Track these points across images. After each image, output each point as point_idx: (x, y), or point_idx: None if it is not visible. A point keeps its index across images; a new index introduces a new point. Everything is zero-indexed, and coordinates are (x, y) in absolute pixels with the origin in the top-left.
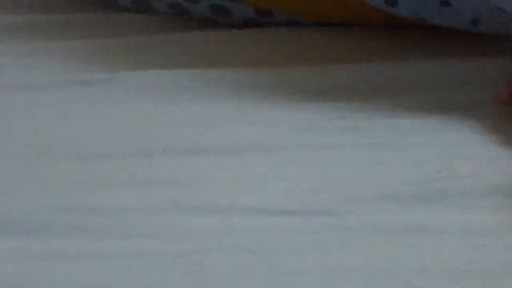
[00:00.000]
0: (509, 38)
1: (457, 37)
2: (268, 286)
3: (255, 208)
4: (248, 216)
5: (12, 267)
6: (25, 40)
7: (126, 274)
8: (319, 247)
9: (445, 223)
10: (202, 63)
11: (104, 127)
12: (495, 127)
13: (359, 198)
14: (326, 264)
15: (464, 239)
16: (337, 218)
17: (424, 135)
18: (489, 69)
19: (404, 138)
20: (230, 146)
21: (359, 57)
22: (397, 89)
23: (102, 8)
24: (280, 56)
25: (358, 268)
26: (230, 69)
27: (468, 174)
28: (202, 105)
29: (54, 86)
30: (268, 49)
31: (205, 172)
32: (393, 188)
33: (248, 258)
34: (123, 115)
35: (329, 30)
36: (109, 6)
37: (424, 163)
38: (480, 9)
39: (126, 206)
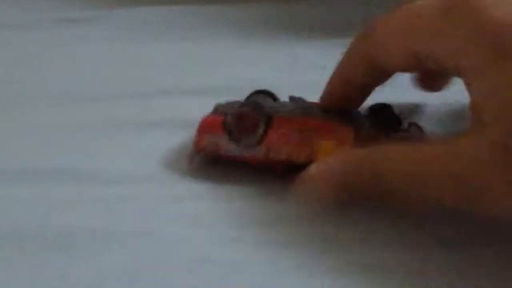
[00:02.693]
0: None
1: None
2: None
3: None
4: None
5: (13, 213)
6: None
7: (120, 218)
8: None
9: None
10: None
11: (95, 67)
12: None
13: None
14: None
15: None
16: None
17: None
18: None
19: None
20: (227, 86)
21: None
22: None
23: None
24: None
25: None
26: (226, 5)
27: None
28: (197, 43)
29: (42, 24)
30: None
31: (202, 114)
32: None
33: (246, 203)
34: (114, 54)
35: None
36: None
37: None
38: None
39: (121, 149)
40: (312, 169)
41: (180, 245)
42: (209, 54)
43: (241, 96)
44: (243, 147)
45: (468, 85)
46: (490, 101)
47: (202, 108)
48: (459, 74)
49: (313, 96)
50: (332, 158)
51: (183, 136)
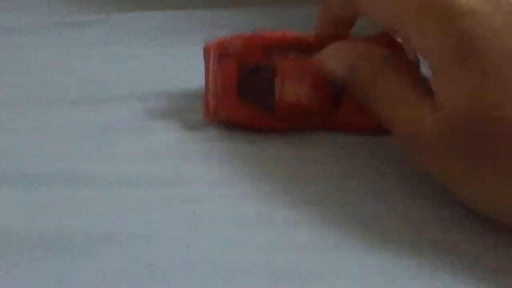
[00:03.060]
0: None
1: None
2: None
3: None
4: (247, 164)
5: (10, 216)
6: None
7: (117, 221)
8: (315, 197)
9: None
10: (199, 3)
11: (93, 71)
12: None
13: None
14: (324, 214)
15: None
16: None
17: None
18: None
19: None
20: None
21: None
22: None
23: None
24: None
25: None
26: (221, 9)
27: None
28: (192, 46)
29: (44, 29)
30: None
31: (200, 116)
32: None
33: (245, 206)
34: (111, 58)
35: None
36: None
37: None
38: None
39: (119, 152)
40: (329, 47)
41: (178, 248)
42: None
43: None
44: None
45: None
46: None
47: (200, 110)
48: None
49: None
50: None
51: (181, 139)
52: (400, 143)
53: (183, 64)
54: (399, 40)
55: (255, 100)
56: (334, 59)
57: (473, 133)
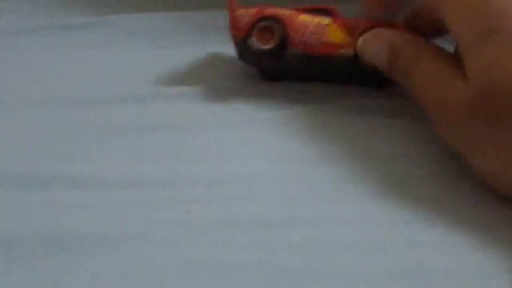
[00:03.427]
0: None
1: None
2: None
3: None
4: (240, 164)
5: (5, 218)
6: None
7: (113, 222)
8: (312, 197)
9: None
10: (193, 5)
11: (91, 72)
12: None
13: None
14: (322, 213)
15: None
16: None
17: None
18: None
19: None
20: (223, 88)
21: None
22: None
23: None
24: None
25: None
26: (223, 11)
27: None
28: (194, 48)
29: (43, 31)
30: None
31: (199, 117)
32: None
33: (239, 207)
34: (114, 60)
35: None
36: None
37: None
38: None
39: (116, 153)
40: (369, 32)
41: (172, 248)
42: (204, 57)
43: None
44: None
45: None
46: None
47: (198, 111)
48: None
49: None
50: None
51: (178, 140)
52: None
53: (181, 65)
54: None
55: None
56: (374, 44)
57: (500, 104)
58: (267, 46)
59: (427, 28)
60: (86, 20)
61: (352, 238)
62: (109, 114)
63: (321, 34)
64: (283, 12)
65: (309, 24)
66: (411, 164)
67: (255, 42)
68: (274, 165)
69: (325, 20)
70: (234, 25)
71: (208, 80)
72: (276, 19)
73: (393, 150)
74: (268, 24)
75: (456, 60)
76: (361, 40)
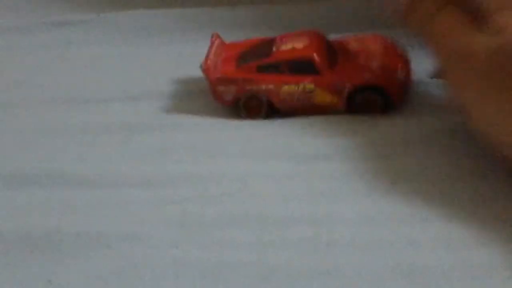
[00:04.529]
0: None
1: None
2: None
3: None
4: (233, 162)
5: (4, 216)
6: None
7: (107, 222)
8: (307, 195)
9: None
10: (188, 2)
11: (85, 70)
12: None
13: None
14: (318, 211)
15: None
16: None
17: None
18: None
19: None
20: None
21: None
22: None
23: None
24: None
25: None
26: (219, 8)
27: None
28: (189, 46)
29: (35, 28)
30: None
31: (191, 116)
32: None
33: (233, 205)
34: (107, 58)
35: None
36: None
37: None
38: None
39: (111, 153)
40: None
41: (167, 247)
42: (198, 55)
43: None
44: None
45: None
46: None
47: (190, 110)
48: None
49: None
50: None
51: (171, 138)
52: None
53: (175, 63)
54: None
55: (252, 61)
56: None
57: None
58: (257, 117)
59: None
60: (81, 17)
61: (348, 237)
62: (103, 113)
63: (308, 99)
64: (266, 86)
65: (294, 93)
66: (407, 162)
67: (244, 114)
68: (267, 163)
69: (310, 86)
70: (218, 98)
71: (202, 78)
72: (260, 94)
73: (389, 148)
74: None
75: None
76: None
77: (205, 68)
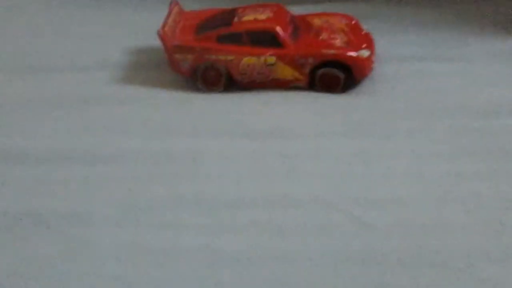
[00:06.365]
0: None
1: None
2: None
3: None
4: (186, 139)
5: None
6: None
7: (49, 201)
8: (261, 175)
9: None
10: None
11: (32, 36)
12: None
13: None
14: (271, 193)
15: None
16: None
17: None
18: None
19: None
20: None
21: None
22: None
23: None
24: None
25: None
26: None
27: None
28: (146, 12)
29: None
30: None
31: (146, 88)
32: None
33: (184, 186)
34: (53, 23)
35: None
36: None
37: None
38: None
39: (56, 127)
40: None
41: (113, 229)
42: (155, 23)
43: None
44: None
45: None
46: None
47: (148, 82)
48: None
49: None
50: None
51: (126, 113)
52: None
53: (130, 30)
54: None
55: (212, 30)
56: None
57: None
58: (215, 89)
59: None
60: None
61: (300, 221)
62: (54, 84)
63: (268, 73)
64: (225, 57)
65: (254, 66)
66: (364, 142)
67: (202, 85)
68: (221, 140)
69: (271, 59)
70: (175, 68)
71: (159, 48)
72: (219, 65)
73: (350, 126)
74: (211, 66)
75: None
76: None
77: (162, 35)
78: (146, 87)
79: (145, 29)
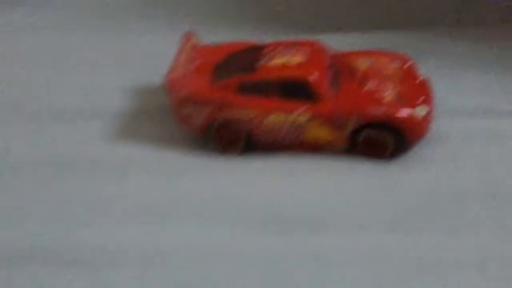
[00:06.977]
0: None
1: None
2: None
3: None
4: (186, 230)
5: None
6: None
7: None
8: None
9: None
10: None
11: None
12: None
13: None
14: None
15: None
16: None
17: None
18: None
19: None
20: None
21: None
22: None
23: None
24: None
25: None
26: None
27: None
28: (156, 41)
29: None
30: None
31: (143, 151)
32: None
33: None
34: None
35: None
36: None
37: None
38: None
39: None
40: None
41: None
42: (165, 55)
43: None
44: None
45: None
46: None
47: (147, 138)
48: None
49: None
50: None
51: (113, 191)
52: None
53: (134, 63)
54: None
55: (232, 75)
56: None
57: None
58: (231, 151)
59: None
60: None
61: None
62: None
63: (298, 134)
64: (247, 113)
65: (282, 125)
66: (420, 239)
67: (218, 147)
68: (231, 231)
69: (303, 118)
70: (184, 123)
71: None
72: (238, 123)
73: (402, 215)
74: (229, 123)
75: None
76: None
77: (169, 80)
78: (143, 149)
79: (154, 61)
